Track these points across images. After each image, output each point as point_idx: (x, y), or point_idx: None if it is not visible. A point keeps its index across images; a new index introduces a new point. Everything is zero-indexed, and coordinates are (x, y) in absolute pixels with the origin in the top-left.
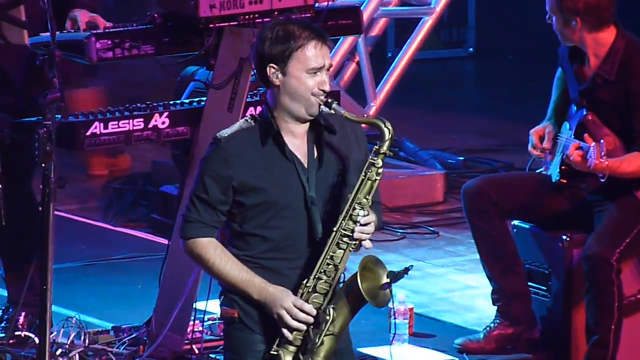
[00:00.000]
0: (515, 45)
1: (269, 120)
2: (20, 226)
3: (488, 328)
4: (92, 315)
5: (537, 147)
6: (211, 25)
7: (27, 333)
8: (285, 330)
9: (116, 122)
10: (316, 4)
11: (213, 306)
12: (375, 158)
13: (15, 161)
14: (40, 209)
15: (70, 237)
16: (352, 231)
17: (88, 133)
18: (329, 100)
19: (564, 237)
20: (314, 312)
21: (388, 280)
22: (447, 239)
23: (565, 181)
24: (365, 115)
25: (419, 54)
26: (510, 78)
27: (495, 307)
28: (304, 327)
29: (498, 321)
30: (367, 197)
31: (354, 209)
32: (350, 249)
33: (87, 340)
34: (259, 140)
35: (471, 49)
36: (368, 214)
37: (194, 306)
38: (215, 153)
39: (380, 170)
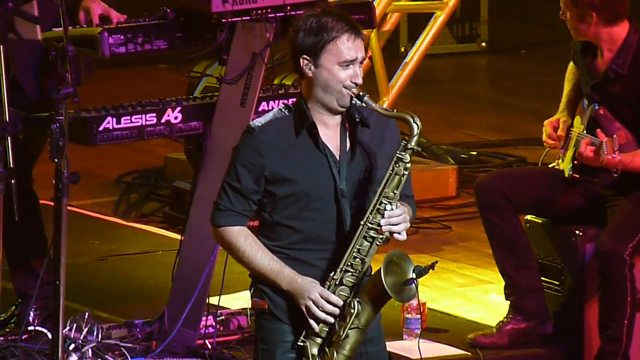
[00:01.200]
0: (527, 40)
1: (304, 110)
2: (25, 221)
3: (501, 323)
4: (105, 311)
5: (552, 137)
6: (224, 20)
7: (39, 328)
8: (312, 322)
9: (129, 117)
10: None
11: (226, 301)
12: (403, 153)
13: (20, 155)
14: (50, 203)
15: (83, 232)
16: (379, 225)
17: (101, 128)
18: (361, 93)
19: (577, 231)
20: (341, 303)
21: (414, 275)
22: (460, 234)
23: (577, 176)
24: (395, 110)
25: (432, 49)
26: (523, 72)
27: (508, 302)
28: (331, 319)
29: (511, 316)
30: (395, 191)
31: (382, 202)
32: (378, 242)
33: (100, 336)
34: (293, 130)
35: (484, 44)
36: (396, 208)
37: (207, 301)
38: (248, 142)
39: (408, 165)
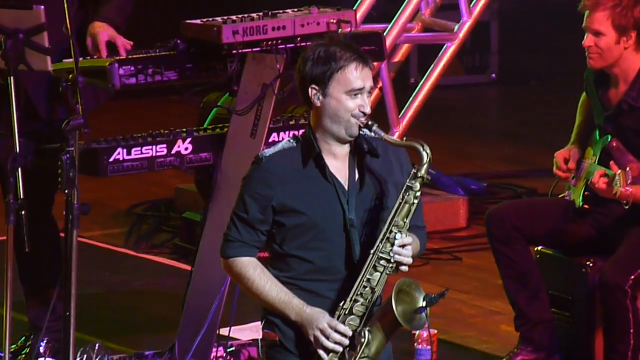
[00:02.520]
0: (537, 71)
1: (311, 141)
2: (42, 252)
3: (511, 354)
4: (115, 342)
5: (562, 169)
6: (234, 52)
7: (49, 359)
8: (321, 352)
9: (139, 148)
10: (339, 30)
11: (236, 332)
12: (413, 182)
13: (38, 187)
14: (62, 234)
15: (93, 263)
16: (389, 254)
17: (111, 159)
18: (369, 122)
19: (588, 262)
20: (349, 332)
21: (424, 304)
22: (471, 265)
23: (588, 207)
24: (405, 139)
25: (442, 80)
26: (533, 104)
27: (519, 333)
28: (339, 349)
29: (521, 347)
30: (405, 220)
31: (391, 231)
32: (388, 271)
33: None
34: (300, 161)
35: (494, 75)
36: (406, 237)
37: (217, 332)
38: (256, 172)
39: (418, 194)
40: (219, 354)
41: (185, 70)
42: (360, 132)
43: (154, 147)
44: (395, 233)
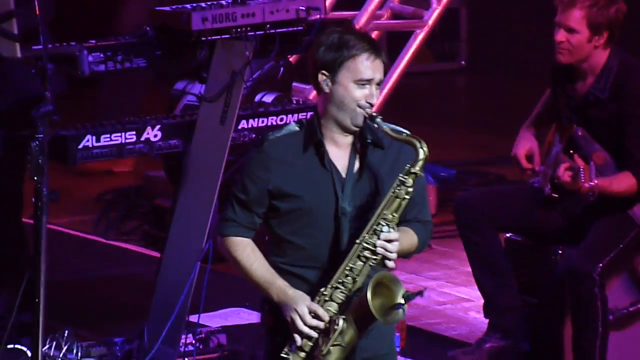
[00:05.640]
0: (506, 59)
1: (315, 127)
2: (10, 240)
3: (480, 341)
4: (85, 329)
5: (528, 167)
6: (203, 38)
7: (18, 346)
8: (295, 335)
9: (108, 135)
10: (308, 18)
11: (206, 319)
12: (406, 177)
13: (5, 175)
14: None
15: (63, 250)
16: (375, 246)
17: (80, 146)
18: (374, 114)
19: (557, 250)
20: (327, 318)
21: (402, 300)
22: (440, 252)
23: (556, 195)
24: (405, 134)
25: (411, 67)
26: (502, 91)
27: (487, 320)
28: (314, 334)
29: (490, 334)
30: (394, 214)
31: (379, 224)
32: (371, 263)
33: (79, 354)
34: (301, 146)
35: (463, 62)
36: (392, 232)
37: (186, 319)
38: (256, 155)
39: (410, 190)
40: (188, 341)
41: (154, 57)
42: (366, 123)
43: (123, 134)
44: (383, 226)
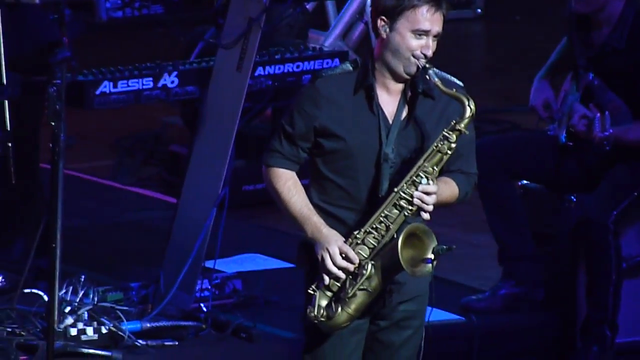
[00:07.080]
0: (522, 6)
1: (368, 70)
2: (28, 185)
3: (495, 288)
4: (101, 274)
5: (545, 116)
6: None
7: (35, 290)
8: (324, 275)
9: (126, 81)
10: None
11: (221, 265)
12: (451, 133)
13: (24, 120)
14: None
15: (80, 195)
16: (412, 196)
17: (98, 92)
18: (427, 65)
19: (571, 198)
20: (357, 261)
21: (432, 255)
22: None
23: (572, 143)
24: (455, 90)
25: None
26: (518, 39)
27: (502, 267)
28: (342, 276)
29: (505, 281)
30: (435, 167)
31: (418, 175)
32: (407, 213)
33: (95, 298)
34: (353, 87)
35: (479, 10)
36: (431, 184)
37: (202, 265)
38: (308, 91)
39: (453, 145)
40: (204, 287)
41: (171, 4)
42: (419, 73)
43: (140, 80)
44: (422, 178)
